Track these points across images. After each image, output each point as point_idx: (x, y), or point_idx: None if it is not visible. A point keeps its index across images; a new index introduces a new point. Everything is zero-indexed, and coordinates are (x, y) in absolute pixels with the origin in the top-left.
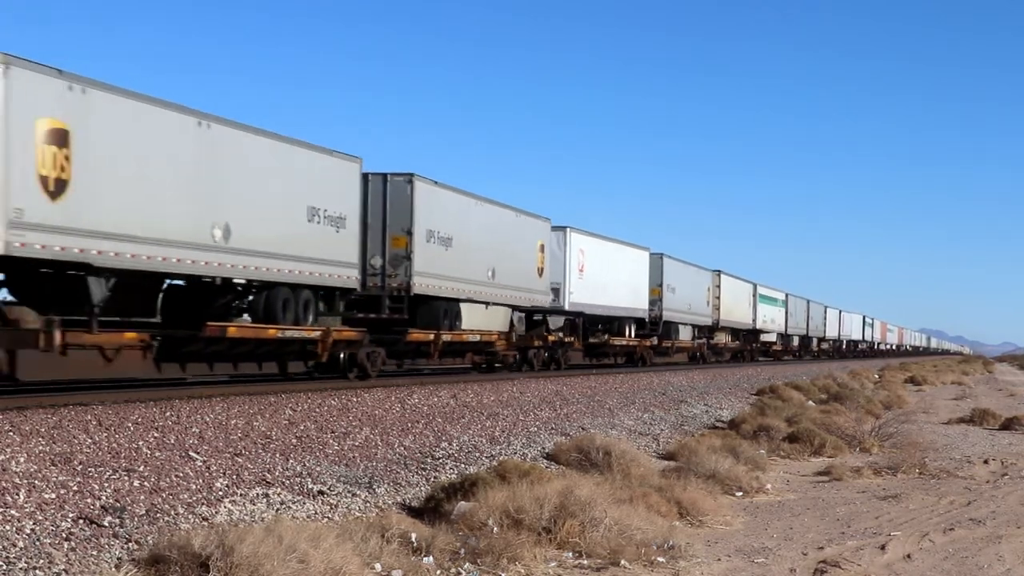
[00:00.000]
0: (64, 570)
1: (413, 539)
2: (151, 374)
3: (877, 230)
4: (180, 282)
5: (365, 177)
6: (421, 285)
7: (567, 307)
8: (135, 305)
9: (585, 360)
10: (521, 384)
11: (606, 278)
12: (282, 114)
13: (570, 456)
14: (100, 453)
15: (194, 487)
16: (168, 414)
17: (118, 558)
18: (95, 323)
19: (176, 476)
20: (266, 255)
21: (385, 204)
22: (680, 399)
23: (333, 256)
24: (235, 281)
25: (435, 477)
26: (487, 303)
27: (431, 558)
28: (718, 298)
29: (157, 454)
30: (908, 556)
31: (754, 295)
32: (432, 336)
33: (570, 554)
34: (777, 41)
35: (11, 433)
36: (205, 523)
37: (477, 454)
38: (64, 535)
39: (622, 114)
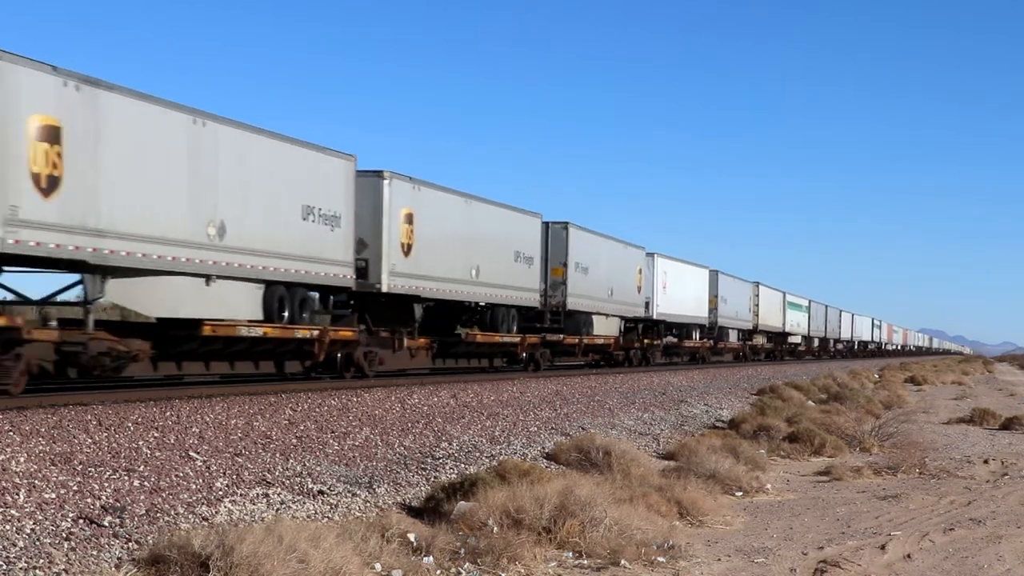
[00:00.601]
0: (64, 570)
1: (413, 539)
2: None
3: (877, 230)
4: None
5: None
6: (572, 303)
7: (655, 316)
8: None
9: (662, 359)
10: (521, 384)
11: (681, 293)
12: (284, 114)
13: (570, 456)
14: (100, 453)
15: (194, 487)
16: (168, 414)
17: (118, 558)
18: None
19: (176, 476)
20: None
21: (546, 244)
22: (680, 399)
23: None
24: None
25: (435, 477)
26: (607, 315)
27: (431, 558)
28: (757, 305)
29: (157, 454)
30: (908, 556)
31: (783, 302)
32: (577, 340)
33: (570, 554)
34: (776, 41)
35: (11, 433)
36: (205, 523)
37: (477, 454)
38: (64, 535)
39: (621, 113)
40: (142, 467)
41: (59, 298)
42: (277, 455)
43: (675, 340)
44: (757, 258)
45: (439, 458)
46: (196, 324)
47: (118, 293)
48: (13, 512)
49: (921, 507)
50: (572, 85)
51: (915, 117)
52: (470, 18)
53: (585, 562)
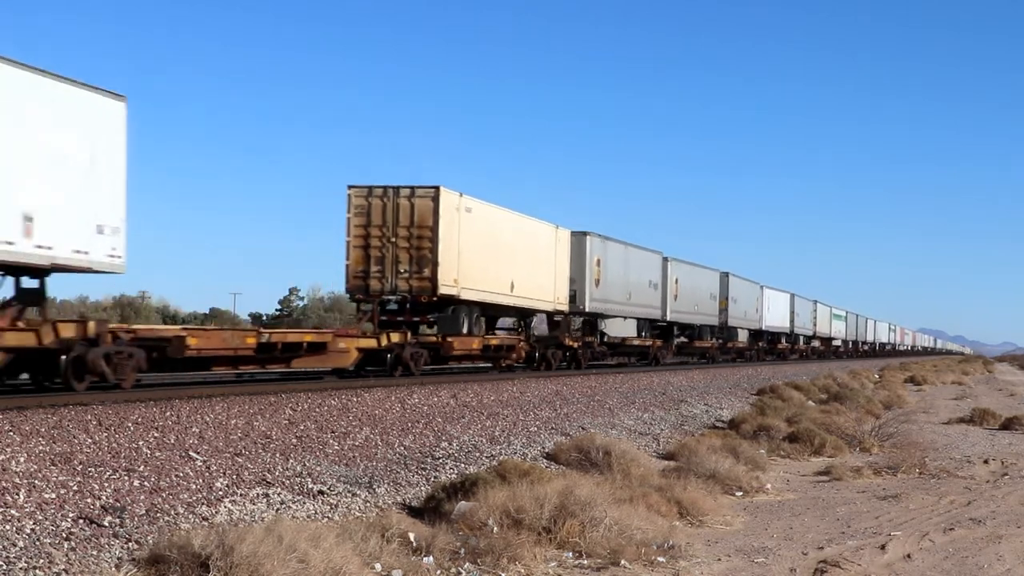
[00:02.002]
0: (64, 570)
1: (413, 539)
2: None
3: (876, 229)
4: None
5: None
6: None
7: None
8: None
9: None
10: (521, 384)
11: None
12: (285, 114)
13: (570, 456)
14: (100, 453)
15: (194, 487)
16: (168, 414)
17: (118, 558)
18: None
19: (176, 476)
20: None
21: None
22: (680, 399)
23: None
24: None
25: (435, 477)
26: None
27: (431, 558)
28: (815, 315)
29: (157, 454)
30: (908, 556)
31: (831, 314)
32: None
33: (570, 554)
34: (777, 40)
35: (11, 433)
36: (205, 523)
37: (477, 454)
38: (64, 535)
39: (620, 113)
40: (142, 467)
41: None
42: (277, 455)
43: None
44: (758, 257)
45: (439, 458)
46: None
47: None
48: (13, 512)
49: (921, 507)
50: (572, 85)
51: (915, 117)
52: (469, 18)
53: (585, 562)
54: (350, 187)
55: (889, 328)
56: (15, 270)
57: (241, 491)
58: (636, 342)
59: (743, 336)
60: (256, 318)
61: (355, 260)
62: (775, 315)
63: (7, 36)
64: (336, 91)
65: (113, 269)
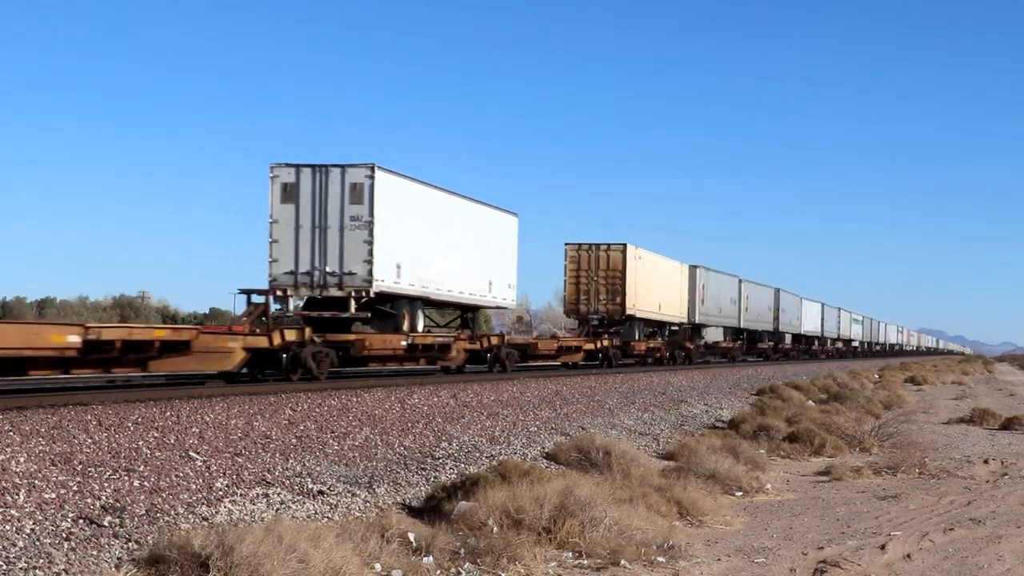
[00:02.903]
0: (64, 570)
1: (413, 539)
2: None
3: (876, 229)
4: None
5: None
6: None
7: (742, 326)
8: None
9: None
10: (521, 384)
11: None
12: (288, 116)
13: (570, 456)
14: (100, 453)
15: (194, 487)
16: (168, 414)
17: (118, 558)
18: None
19: (176, 476)
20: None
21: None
22: (680, 399)
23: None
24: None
25: (435, 477)
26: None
27: (431, 558)
28: (839, 321)
29: (157, 454)
30: (908, 556)
31: (851, 320)
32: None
33: (570, 554)
34: (774, 40)
35: (11, 433)
36: (205, 523)
37: (477, 454)
38: (64, 535)
39: (620, 113)
40: (142, 467)
41: None
42: (277, 455)
43: (750, 343)
44: (755, 257)
45: (439, 458)
46: None
47: None
48: (13, 512)
49: (921, 507)
50: (570, 86)
51: (914, 117)
52: (467, 19)
53: (585, 562)
54: (567, 244)
55: (897, 330)
56: (473, 308)
57: (241, 491)
58: (723, 344)
59: (788, 339)
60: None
61: (570, 292)
62: (810, 321)
63: (12, 37)
64: (336, 91)
65: (512, 306)
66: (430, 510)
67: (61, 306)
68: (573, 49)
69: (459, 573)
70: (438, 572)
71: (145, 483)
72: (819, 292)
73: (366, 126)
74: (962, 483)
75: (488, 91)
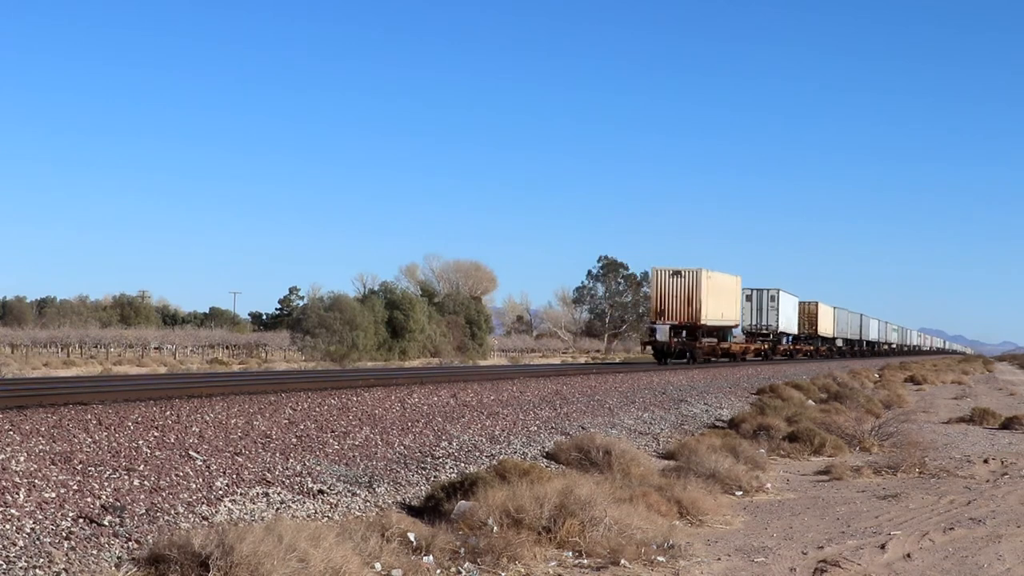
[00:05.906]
0: (64, 569)
1: (413, 538)
2: None
3: (875, 228)
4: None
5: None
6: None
7: (779, 331)
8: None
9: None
10: (521, 383)
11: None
12: (288, 116)
13: (570, 455)
14: (100, 452)
15: (194, 486)
16: (168, 413)
17: (118, 557)
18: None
19: (176, 475)
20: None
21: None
22: (680, 398)
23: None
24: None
25: (435, 476)
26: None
27: (431, 557)
28: (861, 324)
29: (157, 453)
30: (908, 555)
31: (861, 320)
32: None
33: (570, 553)
34: (775, 40)
35: (11, 432)
36: (205, 522)
37: (477, 453)
38: (64, 534)
39: (620, 113)
40: (142, 466)
41: None
42: (277, 454)
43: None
44: (753, 256)
45: (439, 457)
46: None
47: None
48: (13, 511)
49: (921, 506)
50: (572, 86)
51: (914, 117)
52: (467, 19)
53: (585, 562)
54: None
55: (904, 331)
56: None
57: (241, 490)
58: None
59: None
60: (256, 317)
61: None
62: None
63: (10, 38)
64: (337, 93)
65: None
66: (430, 509)
67: (61, 306)
68: (574, 49)
69: (459, 572)
70: (438, 571)
71: (145, 482)
72: (820, 292)
73: (366, 126)
74: (962, 482)
75: (488, 91)
